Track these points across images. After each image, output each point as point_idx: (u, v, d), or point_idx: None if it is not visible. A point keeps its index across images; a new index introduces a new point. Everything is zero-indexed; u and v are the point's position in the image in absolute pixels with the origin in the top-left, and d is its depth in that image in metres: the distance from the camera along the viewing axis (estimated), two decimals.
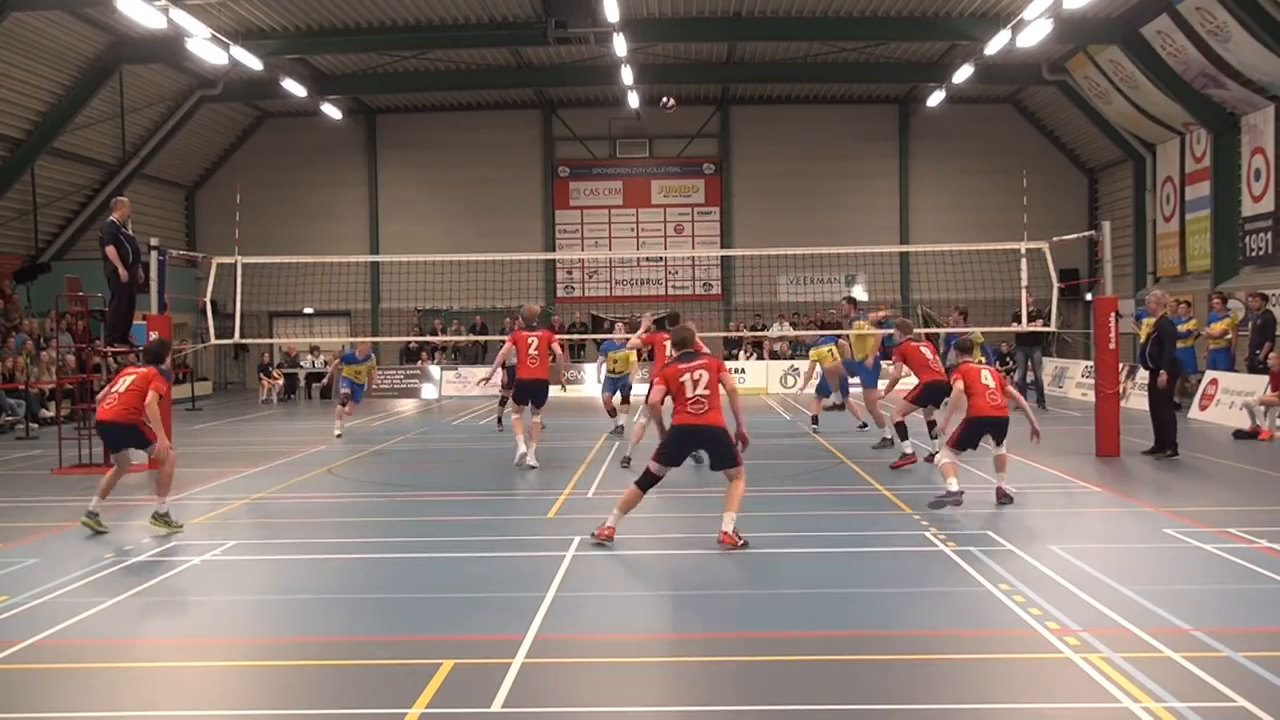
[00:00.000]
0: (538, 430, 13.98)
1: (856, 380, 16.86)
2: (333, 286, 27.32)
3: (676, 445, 8.91)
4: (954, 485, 10.01)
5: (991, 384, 10.52)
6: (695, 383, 8.77)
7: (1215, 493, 11.81)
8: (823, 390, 17.91)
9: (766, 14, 24.90)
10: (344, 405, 17.74)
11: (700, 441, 8.97)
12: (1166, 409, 14.15)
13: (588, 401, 23.80)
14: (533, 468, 13.50)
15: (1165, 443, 13.95)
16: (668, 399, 8.92)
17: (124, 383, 9.78)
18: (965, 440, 10.49)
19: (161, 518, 9.52)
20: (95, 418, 9.93)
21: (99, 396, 9.89)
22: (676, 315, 14.46)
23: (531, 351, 13.50)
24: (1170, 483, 12.34)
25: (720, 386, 8.83)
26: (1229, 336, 19.91)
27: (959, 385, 10.53)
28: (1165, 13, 22.38)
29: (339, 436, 17.46)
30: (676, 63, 29.22)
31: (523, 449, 13.66)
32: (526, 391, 13.67)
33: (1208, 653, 5.90)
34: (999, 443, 10.55)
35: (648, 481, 8.87)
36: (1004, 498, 10.42)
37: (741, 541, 8.58)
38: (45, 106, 25.03)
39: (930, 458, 12.73)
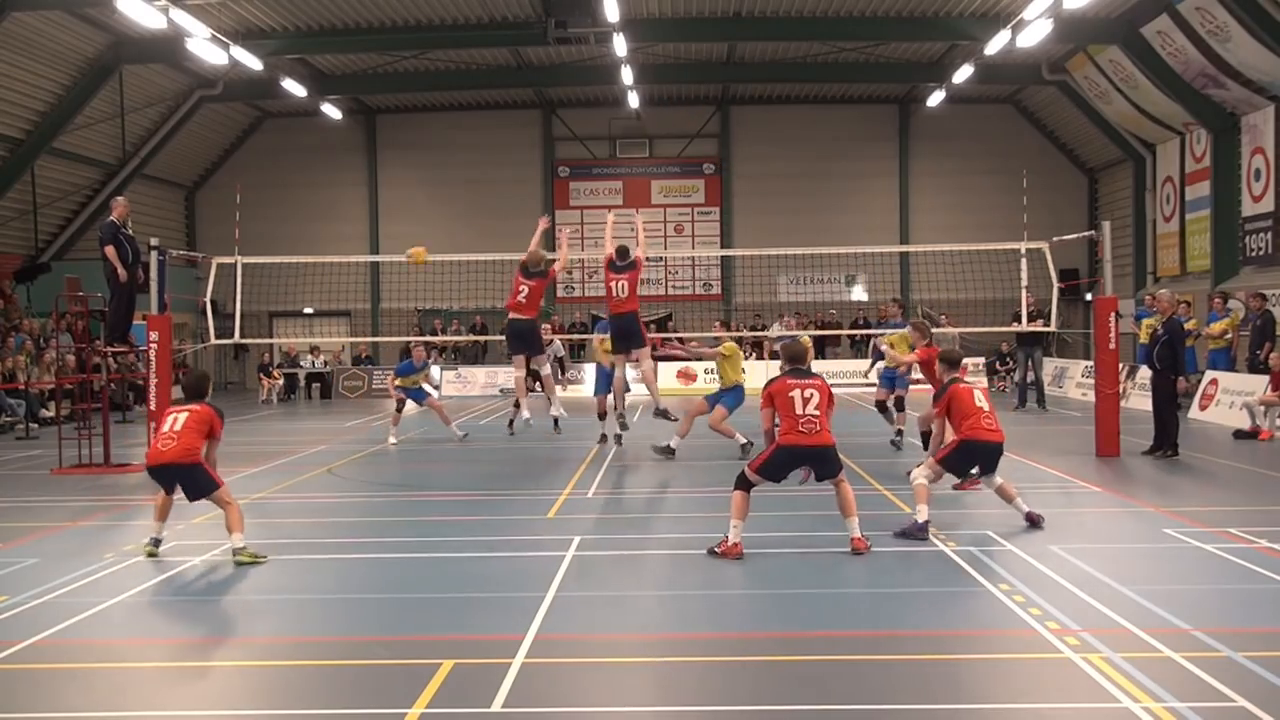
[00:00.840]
0: (551, 385, 13.91)
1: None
2: (333, 286, 27.32)
3: (783, 465, 8.55)
4: (924, 515, 9.22)
5: (986, 406, 9.63)
6: (806, 400, 8.43)
7: (1215, 493, 11.81)
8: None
9: (766, 14, 24.91)
10: (400, 411, 17.36)
11: (808, 460, 8.58)
12: (1170, 410, 14.15)
13: (588, 401, 23.78)
14: (530, 422, 14.13)
15: (1165, 442, 13.95)
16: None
17: (178, 420, 8.76)
18: (954, 463, 9.60)
19: (242, 551, 8.57)
20: (148, 461, 8.89)
21: (157, 441, 8.88)
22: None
23: (520, 299, 13.38)
24: (1170, 483, 12.33)
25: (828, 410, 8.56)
26: (1228, 336, 19.91)
27: (936, 414, 9.78)
28: (1165, 13, 22.38)
29: (394, 444, 16.81)
30: (676, 63, 29.23)
31: (525, 414, 14.00)
32: (513, 336, 13.49)
33: (1208, 653, 5.90)
34: (989, 471, 9.64)
35: (748, 484, 8.50)
36: (1035, 519, 9.47)
37: (869, 543, 8.48)
38: (45, 106, 25.04)
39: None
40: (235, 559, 8.50)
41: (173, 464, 8.61)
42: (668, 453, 14.40)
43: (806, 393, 8.48)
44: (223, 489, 8.80)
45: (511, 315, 13.50)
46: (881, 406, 15.31)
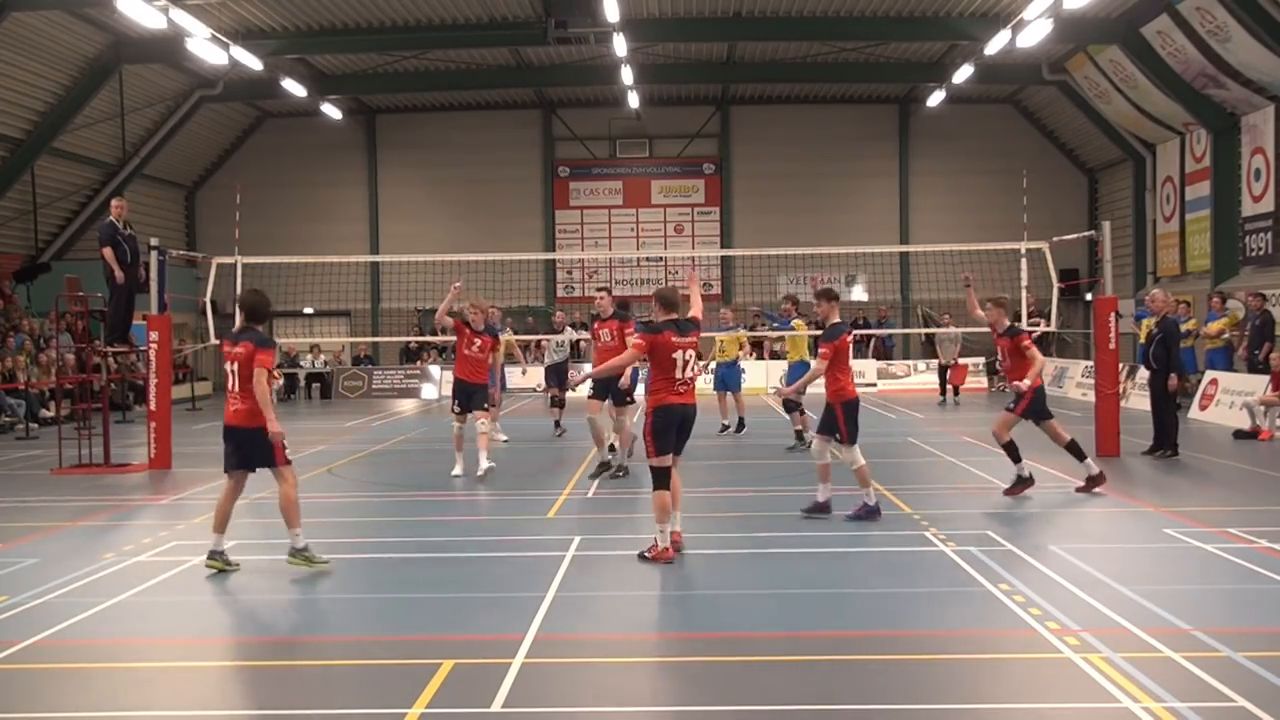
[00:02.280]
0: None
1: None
2: (333, 286, 27.30)
3: (669, 427, 8.12)
4: (823, 494, 9.63)
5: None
6: (686, 364, 8.04)
7: (1215, 493, 11.80)
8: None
9: (766, 14, 24.90)
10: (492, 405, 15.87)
11: (685, 421, 8.14)
12: (1169, 409, 14.14)
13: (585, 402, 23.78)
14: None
15: (1165, 442, 13.95)
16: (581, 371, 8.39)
17: (234, 375, 8.25)
18: (857, 429, 9.71)
19: (301, 553, 8.15)
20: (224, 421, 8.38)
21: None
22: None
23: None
24: (1170, 483, 12.33)
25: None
26: (1226, 336, 19.90)
27: (821, 364, 9.53)
28: (1165, 13, 22.38)
29: (505, 441, 16.26)
30: (676, 63, 29.23)
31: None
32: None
33: (1208, 653, 5.90)
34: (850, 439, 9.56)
35: (666, 477, 8.17)
36: (868, 512, 9.61)
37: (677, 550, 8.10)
38: (45, 106, 25.03)
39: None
40: (289, 559, 8.10)
41: (238, 427, 8.27)
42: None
43: (687, 354, 8.11)
44: (285, 468, 8.28)
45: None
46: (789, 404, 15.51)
